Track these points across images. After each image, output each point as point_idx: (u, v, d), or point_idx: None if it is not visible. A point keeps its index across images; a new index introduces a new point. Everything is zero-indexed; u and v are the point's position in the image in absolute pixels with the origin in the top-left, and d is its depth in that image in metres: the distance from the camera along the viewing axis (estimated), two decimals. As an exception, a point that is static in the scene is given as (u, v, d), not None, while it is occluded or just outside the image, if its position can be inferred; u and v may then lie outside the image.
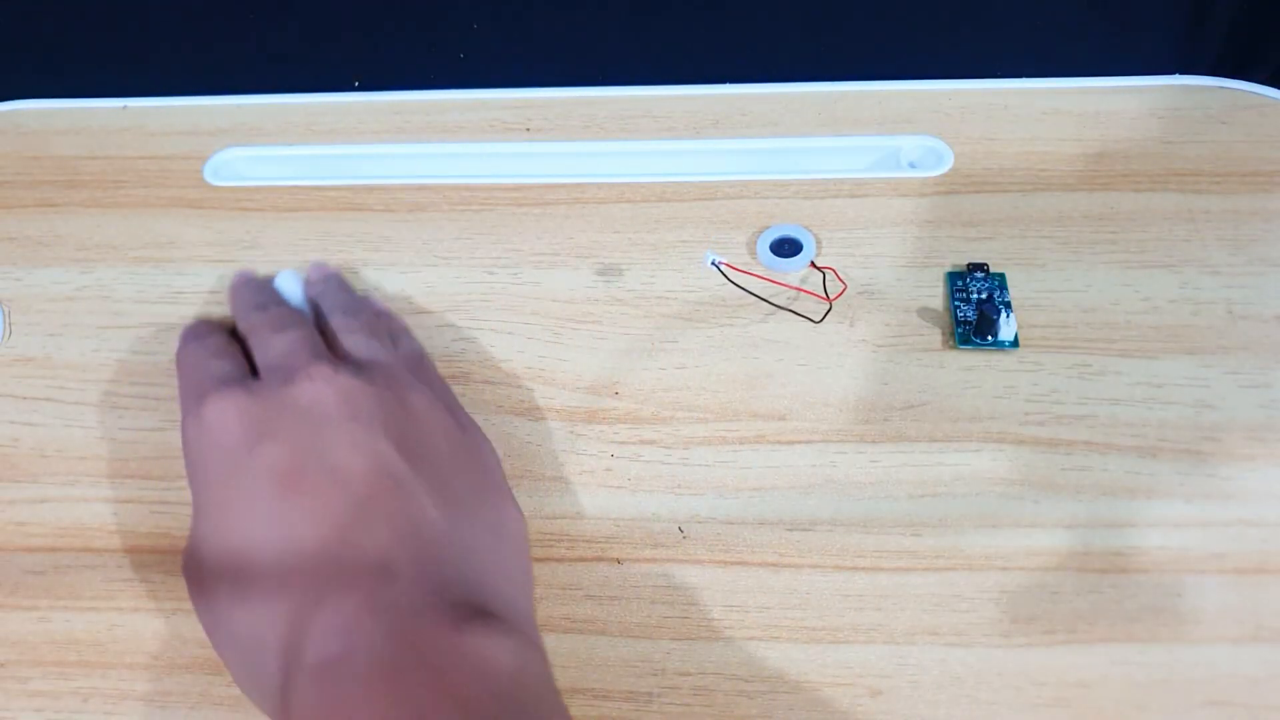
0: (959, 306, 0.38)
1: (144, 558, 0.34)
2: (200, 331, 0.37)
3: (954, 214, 0.41)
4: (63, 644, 0.33)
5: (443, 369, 0.38)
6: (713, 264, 0.38)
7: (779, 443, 0.35)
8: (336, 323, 0.36)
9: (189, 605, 0.31)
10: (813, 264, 0.40)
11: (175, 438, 0.37)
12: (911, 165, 0.43)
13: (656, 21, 0.49)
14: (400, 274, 0.41)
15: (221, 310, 0.40)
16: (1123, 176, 0.42)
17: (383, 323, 0.37)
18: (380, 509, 0.28)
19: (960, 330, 0.37)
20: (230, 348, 0.35)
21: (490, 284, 0.40)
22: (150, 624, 0.33)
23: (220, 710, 0.31)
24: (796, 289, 0.39)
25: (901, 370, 0.37)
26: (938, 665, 0.31)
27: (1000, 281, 0.38)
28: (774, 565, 0.33)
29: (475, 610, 0.26)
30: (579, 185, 0.43)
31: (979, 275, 0.39)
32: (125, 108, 0.48)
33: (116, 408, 0.38)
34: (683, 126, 0.45)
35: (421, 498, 0.29)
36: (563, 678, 0.31)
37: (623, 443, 0.35)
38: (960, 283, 0.38)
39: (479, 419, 0.36)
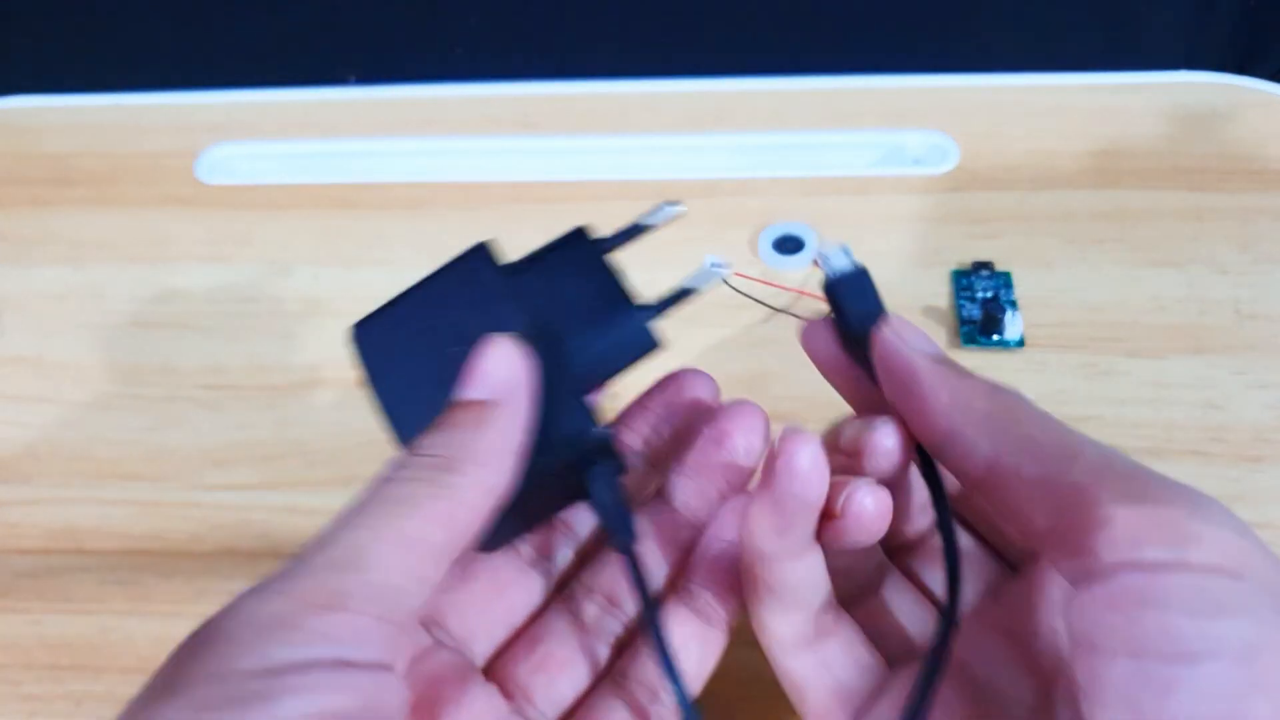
0: (964, 305, 0.37)
1: (137, 560, 0.34)
2: None
3: (959, 211, 0.40)
4: (55, 647, 0.32)
5: (440, 368, 0.37)
6: (712, 268, 0.37)
7: (781, 444, 0.35)
8: None
9: (183, 608, 0.30)
10: (815, 262, 0.39)
11: (168, 438, 0.36)
12: (916, 161, 0.43)
13: (656, 15, 0.49)
14: (396, 273, 0.40)
15: (219, 308, 0.40)
16: (1129, 174, 0.41)
17: None
18: None
19: (965, 329, 0.37)
20: None
21: (488, 282, 0.40)
22: (143, 627, 0.32)
23: (214, 716, 0.31)
24: (797, 291, 0.39)
25: (905, 370, 0.36)
26: (943, 670, 0.30)
27: (1006, 280, 0.38)
28: (776, 568, 0.32)
29: None
30: (578, 183, 0.43)
31: (984, 274, 0.38)
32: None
33: (110, 408, 0.37)
34: (684, 121, 0.45)
35: None
36: (562, 683, 0.30)
37: (623, 443, 0.35)
38: (965, 281, 0.38)
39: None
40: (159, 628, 0.32)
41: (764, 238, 0.40)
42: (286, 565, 0.19)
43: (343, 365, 0.38)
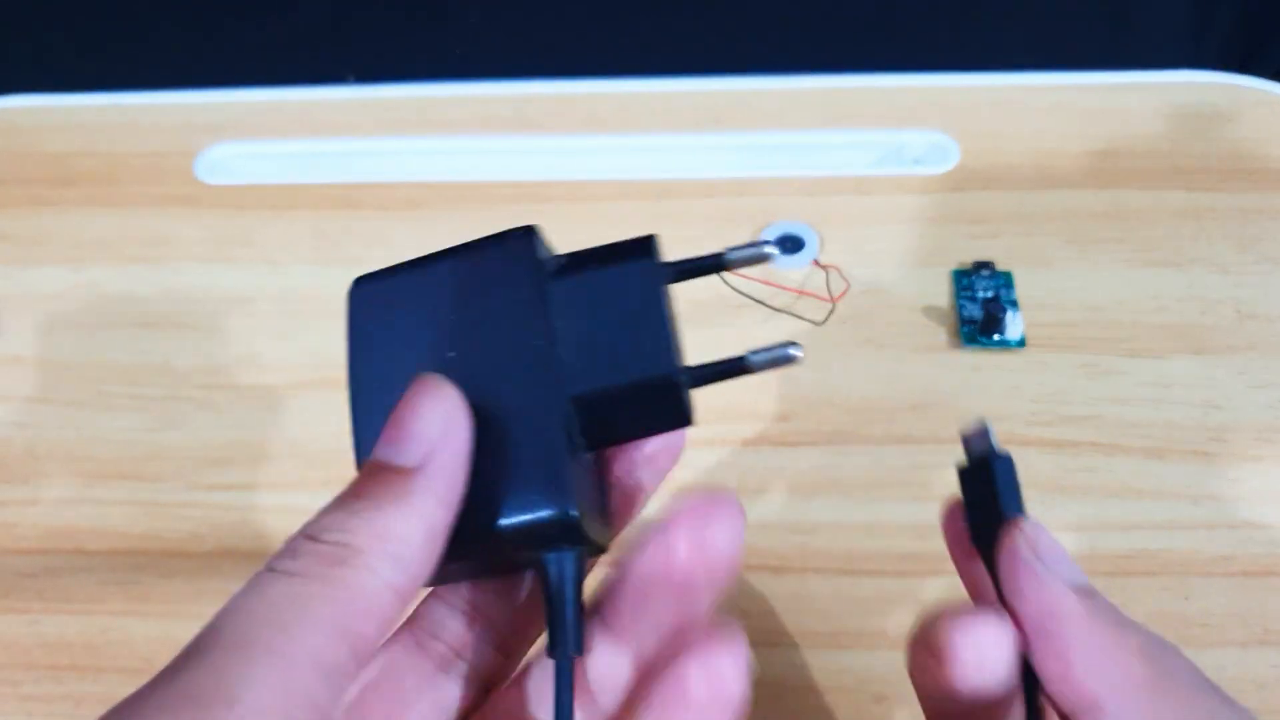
0: (965, 305, 0.37)
1: (136, 560, 0.34)
2: None
3: (960, 211, 0.40)
4: (55, 647, 0.32)
5: (440, 368, 0.37)
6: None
7: (782, 444, 0.35)
8: None
9: (182, 609, 0.30)
10: (815, 262, 0.39)
11: (167, 438, 0.36)
12: (916, 161, 0.43)
13: (656, 14, 0.48)
14: (397, 272, 0.40)
15: (218, 308, 0.40)
16: (1130, 173, 0.41)
17: None
18: None
19: (966, 329, 0.37)
20: None
21: (488, 282, 0.40)
22: (143, 628, 0.32)
23: (214, 716, 0.31)
24: (798, 292, 0.39)
25: (906, 370, 0.36)
26: (943, 670, 0.30)
27: (1006, 280, 0.38)
28: (776, 569, 0.32)
29: None
30: (578, 183, 0.43)
31: (985, 273, 0.38)
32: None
33: (109, 409, 0.37)
34: (684, 121, 0.45)
35: None
36: (562, 683, 0.30)
37: (623, 444, 0.35)
38: (966, 281, 0.38)
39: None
40: (158, 628, 0.32)
41: (764, 238, 0.40)
42: (143, 689, 0.15)
43: (343, 366, 0.38)
